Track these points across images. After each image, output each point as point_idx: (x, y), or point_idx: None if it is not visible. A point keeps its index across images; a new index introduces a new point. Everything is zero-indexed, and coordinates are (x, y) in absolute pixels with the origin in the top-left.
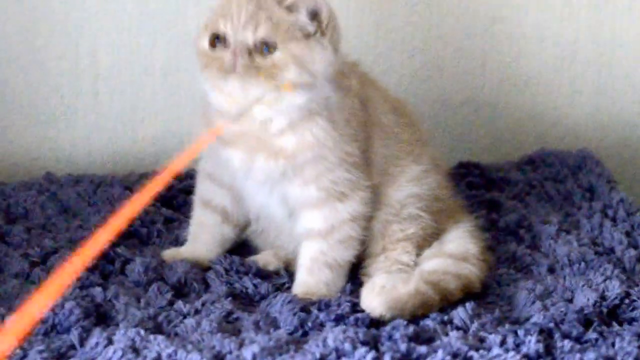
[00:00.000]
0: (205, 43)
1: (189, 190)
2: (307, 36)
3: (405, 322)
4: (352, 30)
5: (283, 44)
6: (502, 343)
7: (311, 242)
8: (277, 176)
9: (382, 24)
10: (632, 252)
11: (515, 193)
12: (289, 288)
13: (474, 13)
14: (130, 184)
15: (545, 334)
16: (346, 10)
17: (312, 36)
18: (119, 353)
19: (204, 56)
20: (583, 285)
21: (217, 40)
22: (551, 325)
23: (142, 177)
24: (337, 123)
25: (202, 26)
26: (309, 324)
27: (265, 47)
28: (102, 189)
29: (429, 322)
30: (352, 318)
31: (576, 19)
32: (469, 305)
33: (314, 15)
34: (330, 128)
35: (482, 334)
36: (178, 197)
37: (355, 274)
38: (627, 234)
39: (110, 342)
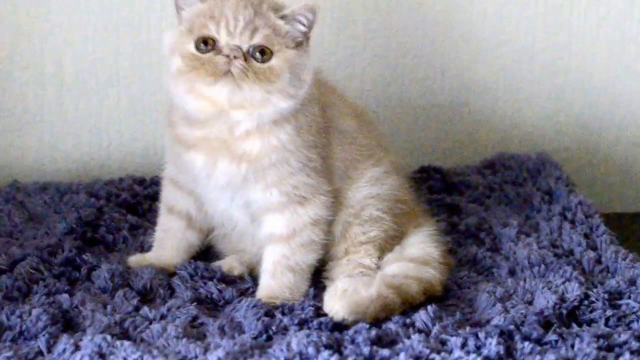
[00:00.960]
0: (190, 46)
1: (154, 197)
2: (298, 44)
3: (367, 326)
4: (314, 37)
5: (279, 51)
6: (463, 345)
7: (274, 246)
8: (239, 181)
9: (343, 31)
10: (591, 253)
11: (475, 196)
12: (253, 293)
13: (432, 20)
14: (95, 191)
15: (506, 336)
16: None
17: (301, 45)
18: (86, 359)
19: (190, 59)
20: (543, 288)
21: (203, 44)
22: (511, 327)
23: (108, 184)
24: (301, 129)
25: (183, 30)
26: (273, 328)
27: (261, 53)
28: (68, 196)
29: (391, 326)
30: (315, 322)
31: (533, 25)
32: (430, 308)
33: (308, 25)
34: (295, 134)
35: (443, 336)
36: (143, 204)
37: (318, 278)
38: (586, 236)
39: (77, 348)
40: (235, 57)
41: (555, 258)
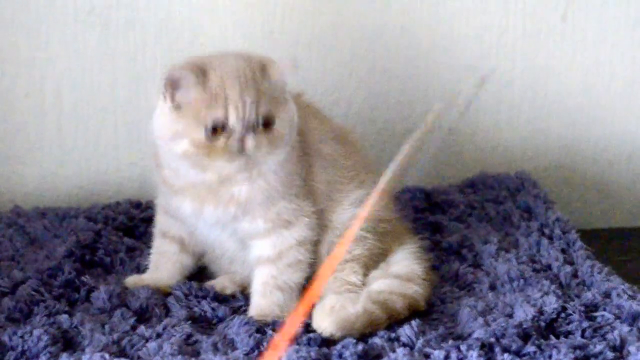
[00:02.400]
0: (201, 135)
1: (150, 220)
2: (284, 99)
3: (354, 341)
4: (302, 64)
5: (277, 114)
6: (446, 358)
7: (262, 267)
8: (228, 220)
9: (330, 57)
10: (568, 268)
11: (457, 215)
12: (245, 310)
13: (415, 46)
14: (93, 215)
15: (487, 348)
16: (295, 45)
17: (284, 99)
18: None
19: (202, 147)
20: (522, 301)
21: (214, 131)
22: (492, 339)
23: (105, 208)
24: (282, 164)
25: (182, 114)
26: (265, 344)
27: (265, 122)
28: (68, 221)
29: (377, 340)
30: (304, 338)
31: (512, 49)
32: (414, 322)
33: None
34: (279, 169)
35: (427, 349)
36: (140, 227)
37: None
38: (563, 251)
39: None
40: (247, 134)
41: (534, 273)
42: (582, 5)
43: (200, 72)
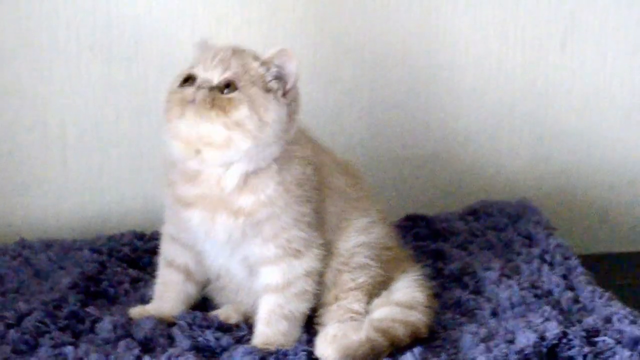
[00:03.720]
0: (175, 85)
1: (153, 251)
2: (268, 90)
3: None
4: (303, 94)
5: (244, 88)
6: None
7: (269, 296)
8: (238, 234)
9: (331, 87)
10: (569, 294)
11: (459, 242)
12: (249, 340)
13: (416, 75)
14: (97, 246)
15: None
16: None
17: (273, 92)
18: None
19: (170, 95)
20: (524, 327)
21: (185, 82)
22: None
23: (109, 239)
24: (288, 185)
25: (178, 74)
26: None
27: (227, 87)
28: (72, 253)
29: None
30: None
31: (512, 77)
32: (416, 350)
33: (281, 77)
34: (282, 189)
35: None
36: (143, 258)
37: (310, 324)
38: (564, 277)
39: None
40: (201, 87)
41: (535, 298)
42: (581, 33)
43: (205, 44)
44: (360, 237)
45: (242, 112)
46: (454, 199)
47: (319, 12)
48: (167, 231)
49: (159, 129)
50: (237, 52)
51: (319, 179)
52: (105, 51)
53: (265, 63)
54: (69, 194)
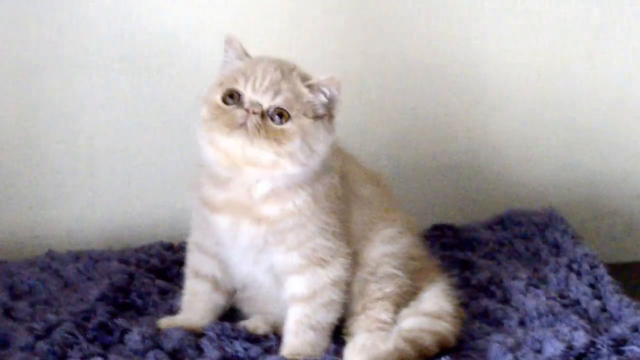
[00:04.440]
0: (218, 97)
1: (181, 262)
2: (316, 117)
3: None
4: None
5: (296, 117)
6: None
7: (296, 306)
8: (260, 241)
9: (358, 98)
10: (597, 302)
11: (486, 252)
12: (277, 351)
13: (443, 85)
14: (126, 257)
15: None
16: None
17: (321, 118)
18: None
19: (215, 109)
20: (551, 336)
21: (230, 97)
22: None
23: (137, 251)
24: (317, 196)
25: (216, 83)
26: None
27: (279, 115)
28: (101, 264)
29: None
30: None
31: (539, 86)
32: (444, 359)
33: (329, 104)
34: (311, 200)
35: None
36: (172, 269)
37: (338, 334)
38: (592, 286)
39: None
40: (254, 113)
41: (563, 308)
42: (607, 41)
43: (244, 50)
44: (386, 247)
45: (295, 144)
46: (481, 208)
47: (346, 23)
48: (193, 240)
49: (191, 134)
50: (286, 73)
51: (346, 189)
52: (133, 64)
53: (314, 89)
54: (97, 205)
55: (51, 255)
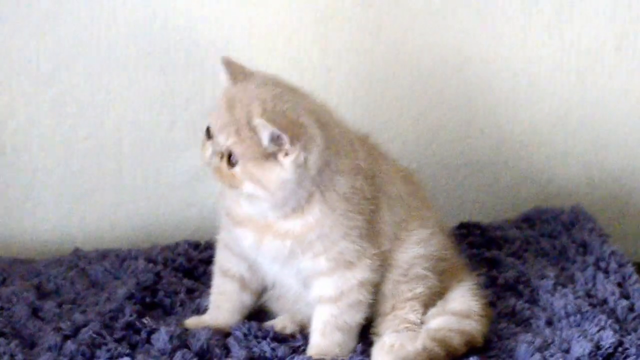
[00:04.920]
0: (205, 127)
1: (208, 261)
2: (267, 156)
3: None
4: (360, 100)
5: (242, 161)
6: None
7: (323, 307)
8: (286, 254)
9: (387, 93)
10: (624, 302)
11: (513, 250)
12: (305, 350)
13: (471, 82)
14: (153, 256)
15: None
16: (351, 81)
17: (271, 156)
18: None
19: (202, 140)
20: (579, 336)
21: (208, 130)
22: None
23: (164, 249)
24: (333, 203)
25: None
26: None
27: (229, 157)
28: (127, 263)
29: None
30: None
31: (567, 83)
32: (472, 359)
33: (275, 139)
34: (327, 209)
35: None
36: (199, 268)
37: (366, 334)
38: (619, 285)
39: None
40: (216, 155)
41: (590, 307)
42: (636, 36)
43: (238, 76)
44: (419, 249)
45: (247, 187)
46: (508, 206)
47: (374, 19)
48: (222, 239)
49: None
50: (237, 113)
51: (373, 188)
52: (160, 60)
53: (255, 130)
54: (124, 203)
55: (78, 254)
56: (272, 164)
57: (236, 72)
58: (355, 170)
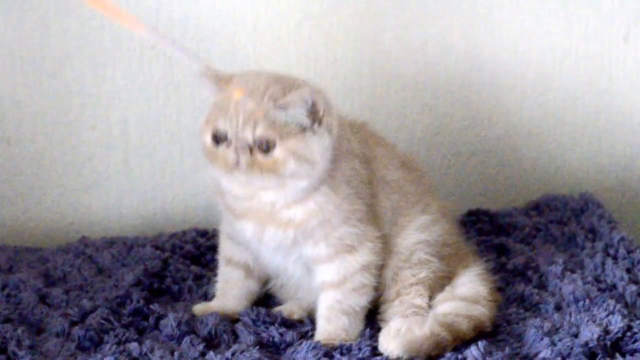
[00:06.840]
0: (208, 139)
1: (215, 248)
2: (303, 130)
3: None
4: (366, 90)
5: (281, 141)
6: None
7: (327, 292)
8: (289, 243)
9: (394, 83)
10: (633, 287)
11: (522, 237)
12: (313, 335)
13: (478, 70)
14: (160, 243)
15: None
16: (357, 71)
17: (308, 129)
18: None
19: (208, 152)
20: (588, 321)
21: (217, 137)
22: (558, 359)
23: (172, 237)
24: (337, 186)
25: (204, 120)
26: None
27: (266, 144)
28: (135, 250)
29: None
30: None
31: (575, 71)
32: (481, 343)
33: (312, 109)
34: (332, 193)
35: None
36: (206, 255)
37: (374, 320)
38: (628, 271)
39: None
40: (242, 152)
41: (599, 292)
42: None
43: (221, 81)
44: (420, 235)
45: (290, 166)
46: (517, 193)
47: (381, 8)
48: (224, 229)
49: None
50: (258, 99)
51: (369, 173)
52: (166, 51)
53: (288, 107)
54: (131, 191)
55: (85, 241)
56: (309, 135)
57: (219, 78)
58: (352, 153)
